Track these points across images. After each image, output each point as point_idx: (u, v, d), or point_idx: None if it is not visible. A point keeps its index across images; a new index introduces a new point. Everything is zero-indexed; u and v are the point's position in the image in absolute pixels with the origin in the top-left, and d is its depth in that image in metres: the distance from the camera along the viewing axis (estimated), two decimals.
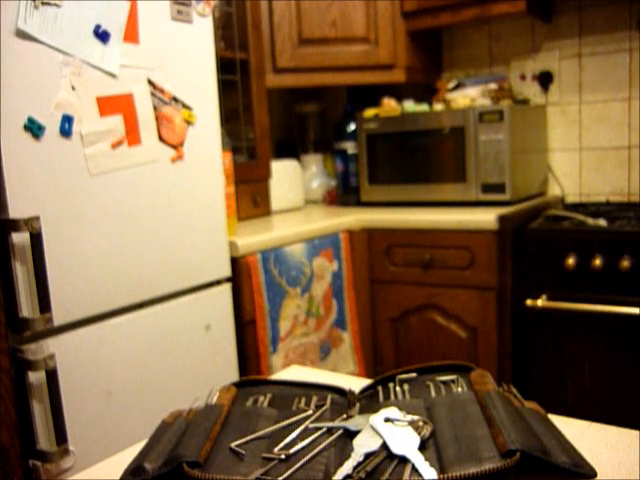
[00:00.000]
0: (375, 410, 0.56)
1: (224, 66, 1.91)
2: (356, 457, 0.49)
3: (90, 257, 1.29)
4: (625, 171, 2.21)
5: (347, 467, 0.48)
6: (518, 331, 1.89)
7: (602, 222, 1.80)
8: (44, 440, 1.19)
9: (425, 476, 0.46)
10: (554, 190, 2.35)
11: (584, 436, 0.57)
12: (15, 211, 1.15)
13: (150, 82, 1.40)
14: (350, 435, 0.54)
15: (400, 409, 0.56)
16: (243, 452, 0.52)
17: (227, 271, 1.63)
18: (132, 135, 1.36)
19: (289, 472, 0.49)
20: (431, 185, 2.14)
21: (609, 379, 1.74)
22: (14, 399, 1.16)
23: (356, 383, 0.68)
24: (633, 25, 2.14)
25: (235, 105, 2.06)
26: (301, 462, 0.50)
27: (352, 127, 2.37)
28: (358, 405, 0.61)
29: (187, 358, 1.50)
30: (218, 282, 1.61)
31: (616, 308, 1.68)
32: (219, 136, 1.60)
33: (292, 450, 0.52)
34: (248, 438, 0.54)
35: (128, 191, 1.36)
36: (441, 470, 0.47)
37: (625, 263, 1.66)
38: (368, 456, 0.50)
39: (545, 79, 2.31)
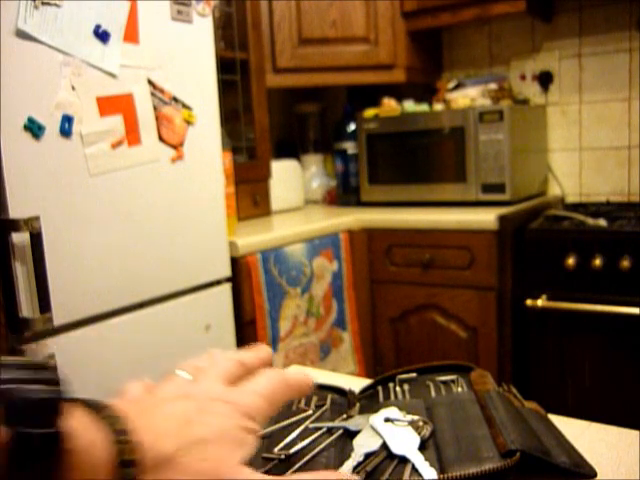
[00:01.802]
0: (375, 410, 0.56)
1: (224, 66, 1.91)
2: (356, 457, 0.49)
3: (90, 257, 1.29)
4: (625, 171, 2.21)
5: (347, 467, 0.48)
6: (518, 331, 1.89)
7: (602, 222, 1.80)
8: None
9: (425, 476, 0.46)
10: (554, 190, 2.35)
11: (584, 436, 0.57)
12: (15, 211, 1.15)
13: (150, 82, 1.40)
14: (350, 435, 0.54)
15: (400, 409, 0.56)
16: None
17: (227, 271, 1.63)
18: (132, 135, 1.36)
19: (289, 472, 0.49)
20: (431, 185, 2.14)
21: (609, 379, 1.74)
22: None
23: (356, 383, 0.68)
24: (633, 25, 2.14)
25: (235, 105, 2.06)
26: (301, 462, 0.50)
27: (352, 127, 2.37)
28: (358, 405, 0.61)
29: (187, 358, 1.50)
30: (218, 282, 1.61)
31: (616, 308, 1.68)
32: (219, 136, 1.60)
33: (292, 450, 0.52)
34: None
35: (128, 191, 1.36)
36: (441, 470, 0.47)
37: (625, 263, 1.66)
38: (368, 456, 0.50)
39: (545, 79, 2.31)
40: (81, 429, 0.30)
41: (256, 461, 0.51)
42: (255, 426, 0.37)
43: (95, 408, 0.32)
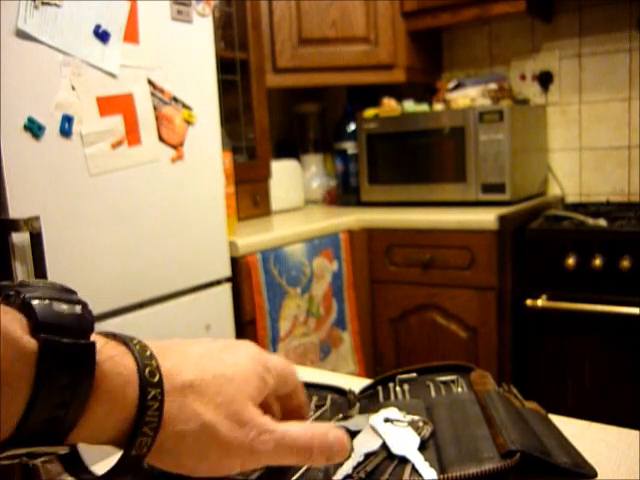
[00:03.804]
0: (375, 410, 0.56)
1: (224, 66, 1.91)
2: (356, 457, 0.49)
3: (90, 257, 1.29)
4: (625, 171, 2.21)
5: (347, 467, 0.48)
6: (518, 331, 1.89)
7: (602, 222, 1.80)
8: None
9: (425, 476, 0.46)
10: (554, 190, 2.35)
11: (584, 436, 0.56)
12: (15, 211, 1.15)
13: (150, 82, 1.40)
14: (350, 435, 0.54)
15: (400, 409, 0.56)
16: None
17: (227, 271, 1.63)
18: (132, 135, 1.36)
19: (289, 473, 0.49)
20: (431, 185, 2.14)
21: (609, 379, 1.74)
22: None
23: (356, 383, 0.68)
24: (633, 25, 2.14)
25: (235, 105, 2.06)
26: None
27: (352, 127, 2.37)
28: (358, 405, 0.61)
29: None
30: (218, 282, 1.61)
31: (616, 308, 1.68)
32: (219, 136, 1.60)
33: None
34: None
35: (128, 191, 1.36)
36: (441, 470, 0.47)
37: (625, 263, 1.66)
38: (368, 456, 0.50)
39: (545, 79, 2.31)
40: (109, 346, 0.33)
41: None
42: (271, 379, 0.38)
43: (119, 335, 0.34)
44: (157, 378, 0.32)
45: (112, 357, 0.32)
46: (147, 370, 0.32)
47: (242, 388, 0.36)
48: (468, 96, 2.19)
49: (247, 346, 0.40)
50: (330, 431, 0.38)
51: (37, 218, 1.15)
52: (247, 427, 0.35)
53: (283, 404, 0.42)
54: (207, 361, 0.36)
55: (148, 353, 0.33)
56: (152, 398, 0.32)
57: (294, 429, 0.37)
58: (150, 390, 0.32)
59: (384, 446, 0.51)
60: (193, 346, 0.38)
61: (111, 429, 0.32)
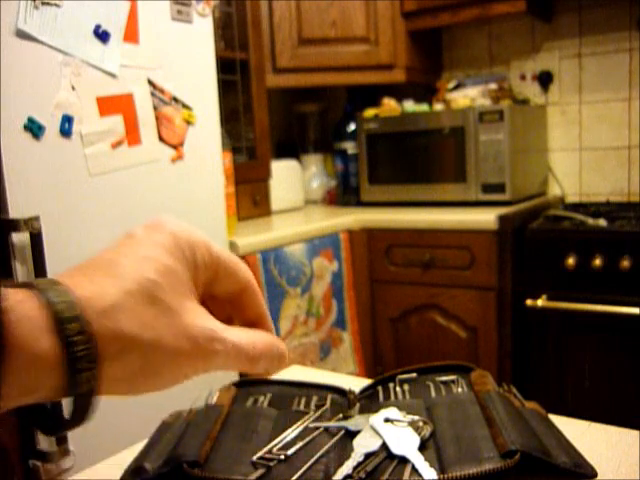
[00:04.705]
0: (375, 410, 0.56)
1: (224, 66, 1.91)
2: (356, 457, 0.49)
3: (90, 257, 1.28)
4: (625, 171, 2.21)
5: (347, 467, 0.48)
6: (518, 331, 1.89)
7: (602, 222, 1.80)
8: (44, 440, 1.19)
9: (425, 476, 0.46)
10: (554, 190, 2.35)
11: (584, 436, 0.56)
12: (15, 211, 1.15)
13: (150, 82, 1.40)
14: (350, 435, 0.54)
15: (400, 409, 0.56)
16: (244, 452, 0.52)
17: None
18: (132, 135, 1.36)
19: (289, 473, 0.49)
20: (431, 185, 2.14)
21: (609, 379, 1.74)
22: None
23: (356, 383, 0.68)
24: (633, 25, 2.14)
25: (235, 105, 2.06)
26: (301, 463, 0.50)
27: (352, 127, 2.37)
28: (358, 405, 0.61)
29: None
30: None
31: (616, 308, 1.68)
32: (219, 136, 1.60)
33: (292, 450, 0.52)
34: (266, 449, 0.53)
35: (128, 191, 1.36)
36: (441, 470, 0.47)
37: (625, 263, 1.66)
38: (368, 456, 0.50)
39: (545, 79, 2.31)
40: (18, 292, 0.30)
41: (255, 462, 0.51)
42: (201, 263, 0.36)
43: (27, 284, 0.31)
44: (76, 311, 0.30)
45: (20, 301, 0.29)
46: (61, 306, 0.30)
47: (176, 288, 0.34)
48: (468, 96, 2.19)
49: (171, 232, 0.36)
50: (275, 345, 0.38)
51: (37, 218, 1.15)
52: (194, 336, 0.33)
53: (239, 313, 0.40)
54: (130, 269, 0.33)
55: (61, 288, 0.31)
56: (77, 333, 0.29)
57: (245, 341, 0.36)
58: (69, 326, 0.29)
59: (384, 446, 0.51)
60: (118, 257, 0.35)
61: (46, 380, 0.29)
